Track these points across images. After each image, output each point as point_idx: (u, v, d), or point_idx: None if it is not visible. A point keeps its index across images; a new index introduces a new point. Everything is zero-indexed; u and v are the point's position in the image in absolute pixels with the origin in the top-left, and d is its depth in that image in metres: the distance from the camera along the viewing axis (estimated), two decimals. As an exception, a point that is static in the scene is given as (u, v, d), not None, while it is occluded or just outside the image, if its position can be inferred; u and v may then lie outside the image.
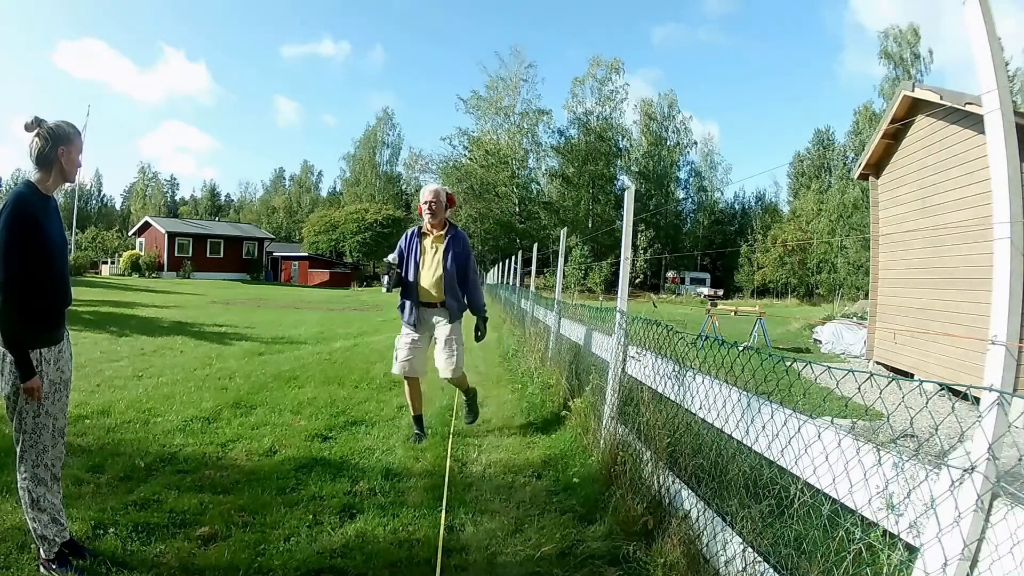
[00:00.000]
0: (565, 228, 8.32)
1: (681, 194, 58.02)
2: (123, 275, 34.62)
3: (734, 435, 2.27)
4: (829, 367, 1.81)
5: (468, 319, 4.32)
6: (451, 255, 4.10)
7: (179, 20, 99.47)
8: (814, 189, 47.29)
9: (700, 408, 2.56)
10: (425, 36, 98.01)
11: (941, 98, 7.70)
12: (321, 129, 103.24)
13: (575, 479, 3.43)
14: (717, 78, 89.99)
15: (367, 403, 5.13)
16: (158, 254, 37.86)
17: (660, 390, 3.02)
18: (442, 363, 4.17)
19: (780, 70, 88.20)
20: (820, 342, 12.81)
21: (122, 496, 2.88)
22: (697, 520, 2.43)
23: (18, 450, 2.17)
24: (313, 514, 2.83)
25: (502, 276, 20.60)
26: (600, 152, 49.76)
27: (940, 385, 2.54)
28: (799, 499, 1.90)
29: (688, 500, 2.56)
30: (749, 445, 2.14)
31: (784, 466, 1.94)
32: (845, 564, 1.64)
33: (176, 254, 38.55)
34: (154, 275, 35.72)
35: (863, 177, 10.62)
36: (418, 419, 4.24)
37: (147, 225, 41.64)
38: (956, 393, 5.01)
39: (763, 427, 2.06)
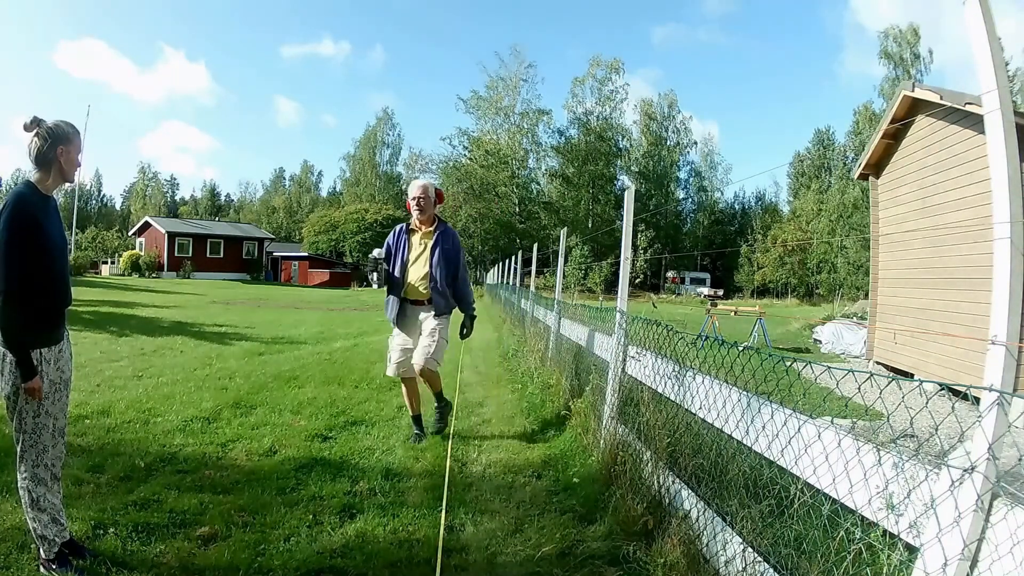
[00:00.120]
0: (565, 228, 8.32)
1: (681, 194, 58.03)
2: (123, 275, 34.62)
3: (734, 435, 2.27)
4: (829, 367, 1.81)
5: (457, 320, 4.28)
6: (439, 251, 4.04)
7: (179, 20, 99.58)
8: (814, 189, 47.29)
9: (700, 408, 2.56)
10: (425, 36, 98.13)
11: (941, 98, 7.70)
12: (321, 129, 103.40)
13: (575, 479, 3.43)
14: (717, 78, 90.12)
15: (367, 403, 5.13)
16: (158, 254, 37.86)
17: (660, 390, 3.02)
18: (419, 351, 4.03)
19: (780, 70, 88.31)
20: (820, 342, 12.81)
21: (122, 496, 2.88)
22: (697, 520, 2.43)
23: (18, 450, 2.17)
24: (313, 514, 2.83)
25: (502, 276, 20.59)
26: (600, 152, 49.74)
27: (940, 385, 2.54)
28: (799, 499, 1.90)
29: (688, 500, 2.56)
30: (749, 445, 2.14)
31: (784, 466, 1.94)
32: (845, 564, 1.64)
33: (176, 254, 38.55)
34: (154, 275, 35.72)
35: (863, 177, 10.62)
36: (417, 419, 4.22)
37: (147, 225, 41.64)
38: (956, 393, 5.01)
39: (763, 427, 2.06)
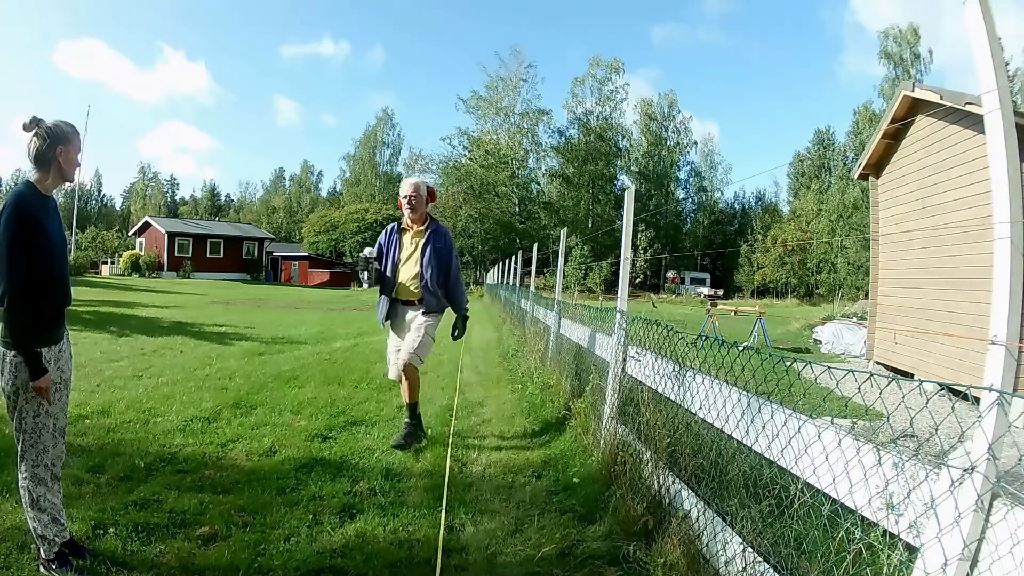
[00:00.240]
0: (565, 228, 8.32)
1: (681, 194, 58.04)
2: (123, 275, 34.62)
3: (734, 435, 2.27)
4: (829, 367, 1.81)
5: (450, 321, 4.22)
6: (430, 251, 3.95)
7: (179, 20, 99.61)
8: (814, 189, 47.30)
9: (700, 408, 2.56)
10: (425, 36, 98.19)
11: (941, 98, 7.70)
12: (321, 129, 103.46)
13: (575, 479, 3.43)
14: (717, 78, 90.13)
15: (367, 403, 5.13)
16: (158, 254, 37.85)
17: (660, 390, 3.02)
18: (404, 346, 3.94)
19: (780, 70, 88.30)
20: (820, 342, 12.81)
21: (122, 496, 2.88)
22: (697, 520, 2.43)
23: (18, 450, 2.17)
24: (313, 514, 2.83)
25: (502, 276, 20.60)
26: (600, 152, 49.75)
27: (940, 385, 2.54)
28: (799, 499, 1.90)
29: (688, 500, 2.56)
30: (749, 445, 2.14)
31: (784, 466, 1.94)
32: (845, 564, 1.64)
33: (176, 254, 38.55)
34: (154, 275, 35.71)
35: (863, 177, 10.63)
36: (412, 407, 4.20)
37: (147, 225, 41.64)
38: (956, 393, 5.01)
39: (763, 427, 2.06)
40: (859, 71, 78.40)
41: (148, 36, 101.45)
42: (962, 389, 1.35)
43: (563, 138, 50.11)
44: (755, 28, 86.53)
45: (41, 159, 2.15)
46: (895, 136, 9.49)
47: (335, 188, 69.58)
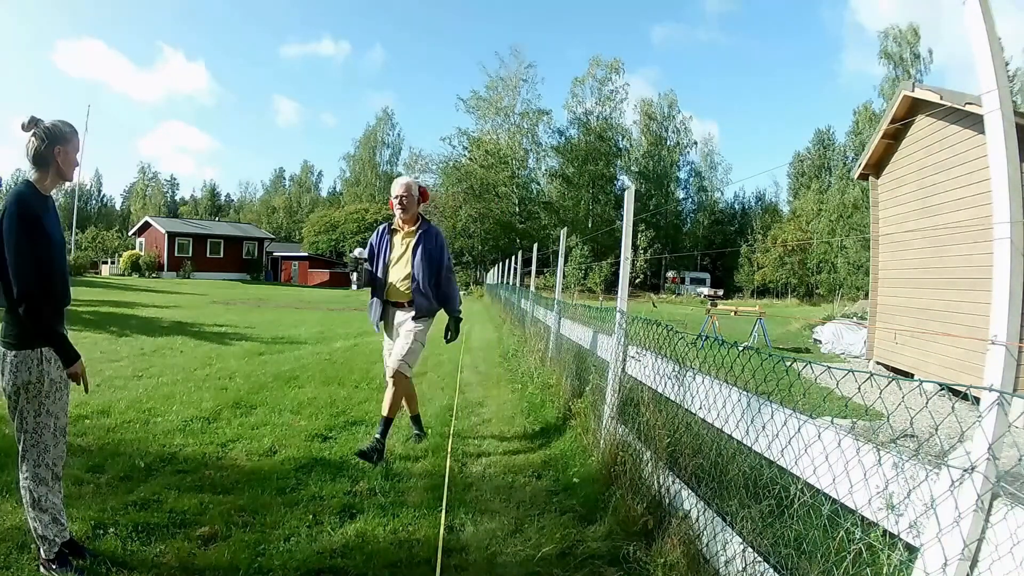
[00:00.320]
0: (565, 228, 8.33)
1: (681, 194, 58.09)
2: (123, 275, 34.62)
3: (734, 435, 2.27)
4: (829, 367, 1.81)
5: (442, 323, 4.10)
6: (421, 251, 3.86)
7: (178, 19, 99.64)
8: (814, 189, 47.31)
9: (700, 408, 2.56)
10: (425, 36, 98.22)
11: (941, 98, 7.70)
12: (321, 129, 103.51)
13: (575, 479, 3.43)
14: (717, 78, 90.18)
15: (367, 403, 5.13)
16: (158, 254, 37.86)
17: (660, 390, 3.02)
18: (393, 353, 3.84)
19: (780, 70, 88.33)
20: (820, 342, 12.81)
21: (122, 496, 2.88)
22: (697, 520, 2.43)
23: (20, 450, 2.17)
24: (313, 514, 2.83)
25: (502, 276, 20.60)
26: (600, 152, 49.75)
27: (940, 385, 2.54)
28: (799, 499, 1.90)
29: (688, 500, 2.56)
30: (749, 445, 2.14)
31: (784, 466, 1.94)
32: (845, 564, 1.64)
33: (176, 254, 38.55)
34: (154, 275, 35.72)
35: (863, 177, 10.63)
36: (415, 419, 4.20)
37: (147, 225, 41.64)
38: (956, 393, 5.01)
39: (763, 427, 2.06)
40: (859, 71, 78.51)
41: (148, 36, 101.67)
42: (962, 389, 1.35)
43: (563, 138, 50.18)
44: (755, 28, 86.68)
45: (39, 159, 2.15)
46: (895, 136, 9.49)
47: (335, 188, 69.64)
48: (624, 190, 4.09)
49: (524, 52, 58.41)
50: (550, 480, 3.48)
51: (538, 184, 50.85)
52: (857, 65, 77.36)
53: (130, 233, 44.84)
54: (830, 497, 1.70)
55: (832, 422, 1.76)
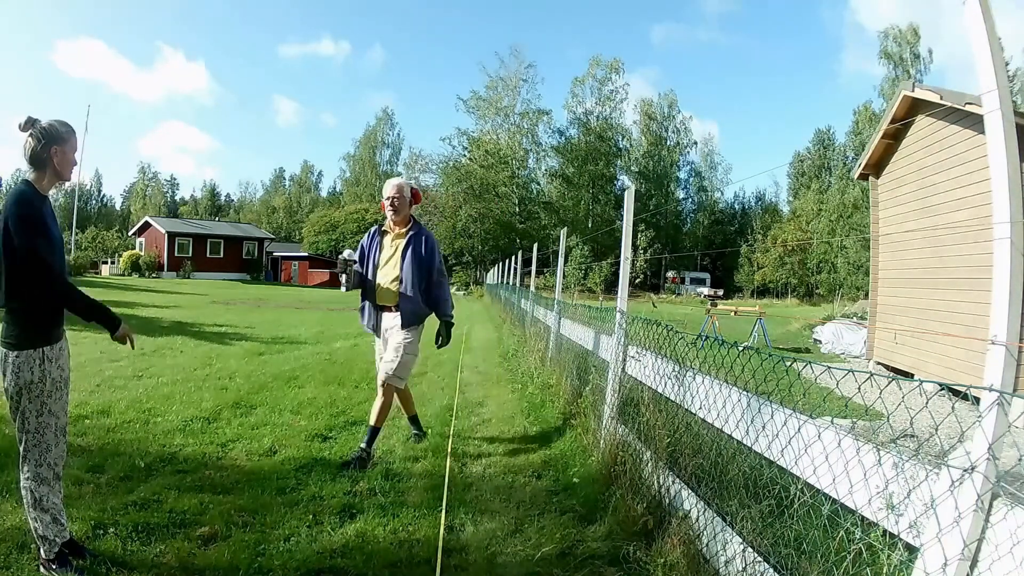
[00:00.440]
0: (565, 228, 8.33)
1: (681, 194, 58.11)
2: (123, 275, 34.61)
3: (734, 435, 2.27)
4: (829, 367, 1.81)
5: (433, 327, 4.02)
6: (411, 254, 3.78)
7: (178, 19, 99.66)
8: (814, 189, 47.32)
9: (700, 408, 2.56)
10: (425, 36, 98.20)
11: (941, 98, 7.70)
12: (321, 129, 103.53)
13: (575, 479, 3.43)
14: (717, 78, 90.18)
15: (367, 403, 5.12)
16: (158, 254, 37.85)
17: (660, 390, 3.02)
18: (383, 365, 3.79)
19: (780, 70, 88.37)
20: (820, 342, 12.81)
21: (122, 496, 2.88)
22: (697, 520, 2.43)
23: (21, 450, 2.17)
24: (313, 514, 2.83)
25: (502, 276, 20.61)
26: (600, 152, 49.74)
27: (940, 385, 2.54)
28: (799, 499, 1.90)
29: (688, 500, 2.56)
30: (749, 445, 2.14)
31: (784, 466, 1.94)
32: (845, 564, 1.64)
33: (176, 254, 38.55)
34: (154, 275, 35.72)
35: (863, 177, 10.63)
36: (413, 419, 4.18)
37: (147, 225, 41.64)
38: (956, 393, 5.01)
39: (763, 427, 2.06)
40: (859, 71, 78.50)
41: (147, 36, 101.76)
42: (962, 389, 1.35)
43: (563, 138, 50.17)
44: (755, 28, 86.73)
45: (36, 159, 2.16)
46: (895, 136, 9.49)
47: (335, 188, 69.64)
48: (624, 190, 4.09)
49: (524, 52, 58.31)
50: (550, 480, 3.48)
51: (538, 184, 50.87)
52: (857, 65, 77.44)
53: (130, 233, 44.84)
54: (830, 497, 1.70)
55: (832, 422, 1.76)
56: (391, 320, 3.83)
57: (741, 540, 2.10)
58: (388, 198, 3.89)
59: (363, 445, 3.64)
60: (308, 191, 71.67)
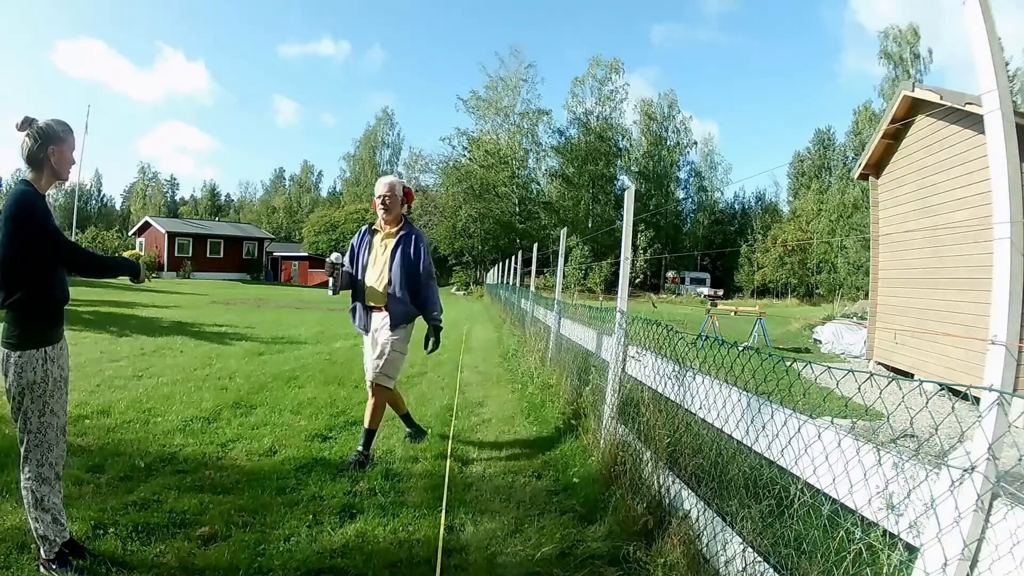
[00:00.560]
0: (565, 228, 8.32)
1: (681, 194, 58.07)
2: (123, 275, 34.58)
3: (734, 435, 2.27)
4: (829, 367, 1.81)
5: (422, 331, 3.95)
6: (399, 254, 3.72)
7: (177, 19, 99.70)
8: (814, 189, 47.31)
9: (700, 408, 2.56)
10: (425, 36, 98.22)
11: (941, 98, 7.70)
12: (321, 129, 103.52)
13: (575, 479, 3.43)
14: (717, 78, 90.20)
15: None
16: (158, 254, 37.86)
17: (660, 390, 3.02)
18: (371, 365, 3.75)
19: (780, 70, 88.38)
20: (820, 342, 12.81)
21: (122, 496, 2.88)
22: (697, 520, 2.43)
23: (22, 451, 2.16)
24: (313, 514, 2.83)
25: (502, 276, 20.61)
26: (600, 152, 49.73)
27: (940, 385, 2.54)
28: (799, 499, 1.90)
29: (688, 500, 2.56)
30: (749, 445, 2.14)
31: (784, 466, 1.94)
32: (845, 564, 1.64)
33: (176, 254, 38.57)
34: (154, 275, 35.52)
35: (863, 177, 10.63)
36: (406, 417, 4.13)
37: (147, 225, 41.65)
38: (956, 393, 5.01)
39: (763, 427, 2.06)
40: (859, 71, 78.50)
41: (147, 36, 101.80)
42: (962, 389, 1.35)
43: (563, 138, 50.15)
44: (755, 28, 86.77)
45: (33, 159, 2.16)
46: (895, 136, 9.49)
47: (335, 188, 69.62)
48: (624, 190, 4.08)
49: (524, 52, 58.25)
50: (550, 480, 3.48)
51: (538, 184, 50.83)
52: (857, 65, 77.45)
53: (130, 233, 44.84)
54: (830, 497, 1.70)
55: (832, 422, 1.76)
56: (380, 320, 3.78)
57: (741, 540, 2.10)
58: (379, 196, 3.81)
59: (360, 448, 3.64)
60: (308, 191, 71.65)
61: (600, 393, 4.02)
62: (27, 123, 2.16)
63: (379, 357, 3.69)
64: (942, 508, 1.33)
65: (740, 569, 2.05)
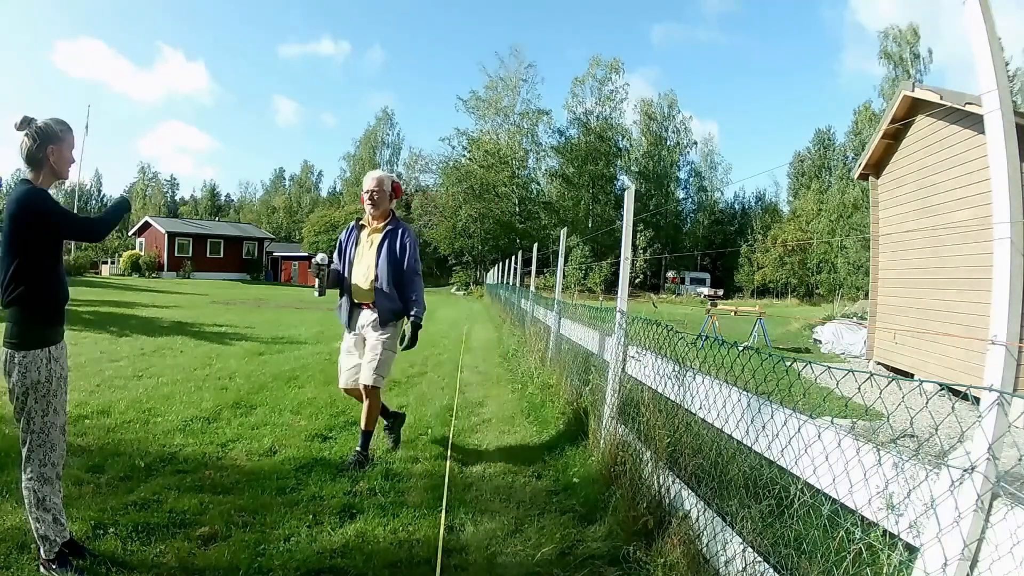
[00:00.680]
0: (565, 228, 8.32)
1: (681, 194, 58.08)
2: (123, 275, 34.62)
3: (734, 435, 2.27)
4: (829, 367, 1.81)
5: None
6: (385, 251, 3.66)
7: (177, 19, 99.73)
8: (814, 189, 47.30)
9: (700, 408, 2.56)
10: (425, 36, 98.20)
11: (941, 98, 7.70)
12: (321, 129, 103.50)
13: (575, 479, 3.43)
14: (717, 78, 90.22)
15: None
16: (158, 254, 37.87)
17: (660, 390, 3.02)
18: (363, 367, 3.67)
19: (780, 70, 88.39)
20: (820, 342, 12.81)
21: (122, 496, 2.88)
22: (697, 520, 2.43)
23: (24, 451, 2.16)
24: (313, 514, 2.83)
25: (502, 276, 20.61)
26: (600, 152, 49.73)
27: (940, 385, 2.54)
28: (799, 499, 1.90)
29: (688, 500, 2.56)
30: (749, 445, 2.14)
31: (784, 466, 1.94)
32: (845, 564, 1.64)
33: (176, 254, 38.56)
34: (154, 275, 35.72)
35: (863, 177, 10.63)
36: (383, 411, 3.88)
37: (147, 225, 41.64)
38: (956, 393, 5.01)
39: (763, 427, 2.06)
40: (859, 71, 78.50)
41: (147, 36, 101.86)
42: (962, 389, 1.35)
43: (563, 138, 50.17)
44: (755, 28, 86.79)
45: (32, 159, 2.16)
46: (895, 136, 9.49)
47: (335, 188, 69.56)
48: (624, 190, 4.08)
49: (524, 52, 58.22)
50: (550, 480, 3.48)
51: (538, 184, 50.84)
52: (857, 65, 77.44)
53: (130, 233, 44.84)
54: (830, 497, 1.70)
55: (832, 422, 1.76)
56: (367, 317, 3.73)
57: (741, 540, 2.10)
58: (367, 191, 3.76)
59: (358, 448, 3.63)
60: (308, 191, 71.62)
61: (600, 393, 4.02)
62: (26, 123, 2.16)
63: (371, 358, 3.63)
64: (942, 508, 1.33)
65: (740, 569, 2.05)
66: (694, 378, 2.65)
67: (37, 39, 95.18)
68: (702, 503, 2.44)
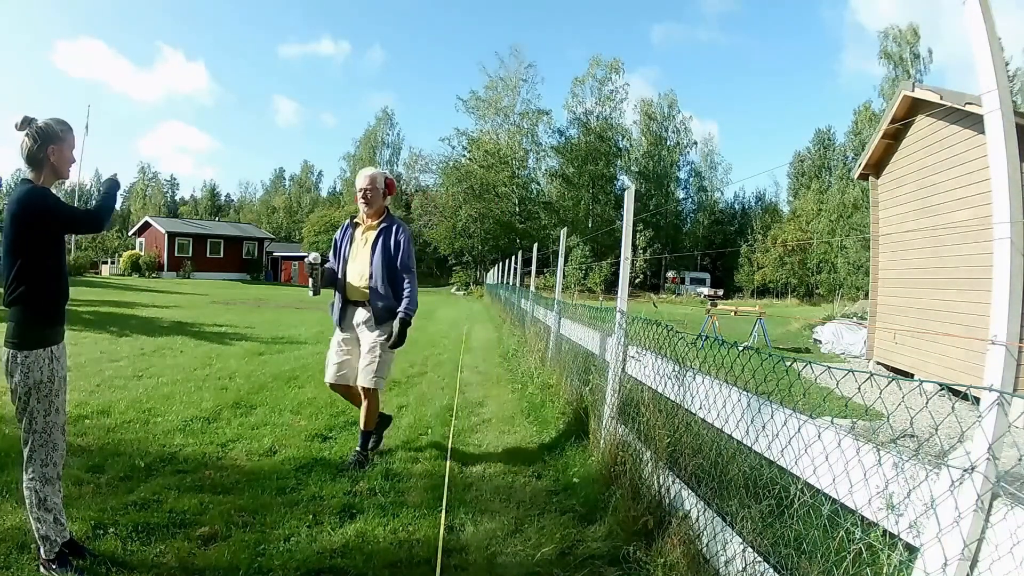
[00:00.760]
0: (565, 228, 8.32)
1: (681, 194, 58.10)
2: (123, 275, 34.61)
3: (734, 435, 2.27)
4: (829, 367, 1.81)
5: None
6: (379, 248, 3.63)
7: (177, 19, 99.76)
8: (814, 189, 47.31)
9: (700, 408, 2.56)
10: (425, 36, 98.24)
11: (941, 98, 7.70)
12: (321, 129, 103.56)
13: (575, 479, 3.43)
14: (717, 78, 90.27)
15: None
16: (158, 254, 37.86)
17: (660, 390, 3.02)
18: (361, 368, 3.64)
19: (780, 70, 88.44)
20: (820, 342, 12.80)
21: (122, 496, 2.88)
22: (697, 520, 2.43)
23: (26, 452, 2.16)
24: (313, 514, 2.83)
25: (502, 276, 20.61)
26: (600, 152, 49.74)
27: (940, 385, 2.54)
28: (799, 499, 1.90)
29: (688, 500, 2.56)
30: (749, 445, 2.14)
31: (784, 466, 1.94)
32: (845, 564, 1.64)
33: (176, 254, 38.56)
34: (154, 275, 35.72)
35: (863, 177, 10.63)
36: (367, 436, 3.71)
37: (147, 225, 41.65)
38: (956, 393, 5.01)
39: (763, 427, 2.06)
40: (859, 71, 78.53)
41: (147, 36, 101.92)
42: (962, 389, 1.35)
43: (563, 138, 50.18)
44: (755, 28, 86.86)
45: (33, 159, 2.16)
46: (895, 136, 9.49)
47: (335, 188, 69.56)
48: (624, 190, 4.08)
49: (524, 52, 58.23)
50: (550, 480, 3.48)
51: (538, 184, 50.85)
52: (857, 65, 77.48)
53: (130, 233, 44.87)
54: (830, 497, 1.70)
55: (832, 422, 1.76)
56: (362, 316, 3.70)
57: (741, 540, 2.10)
58: (360, 190, 3.74)
59: (357, 448, 3.63)
60: (308, 191, 71.61)
61: (600, 393, 4.02)
62: (26, 123, 2.16)
63: (371, 362, 3.60)
64: (942, 508, 1.33)
65: (740, 569, 2.05)
66: (694, 378, 2.65)
67: (37, 39, 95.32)
68: (702, 503, 2.44)
